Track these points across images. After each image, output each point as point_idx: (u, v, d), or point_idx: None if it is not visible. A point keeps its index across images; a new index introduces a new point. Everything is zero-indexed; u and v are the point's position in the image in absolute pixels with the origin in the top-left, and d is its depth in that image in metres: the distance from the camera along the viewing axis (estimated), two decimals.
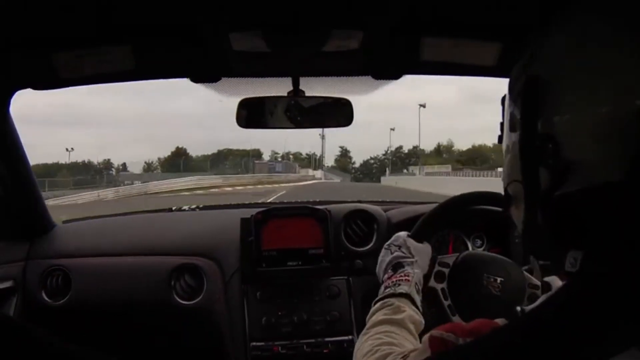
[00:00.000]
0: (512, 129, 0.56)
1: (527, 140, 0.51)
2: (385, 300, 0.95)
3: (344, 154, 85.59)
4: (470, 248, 1.51)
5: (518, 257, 1.25)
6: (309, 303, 1.46)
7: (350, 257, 1.52)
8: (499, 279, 1.09)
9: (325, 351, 1.42)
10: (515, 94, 0.56)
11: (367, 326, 0.90)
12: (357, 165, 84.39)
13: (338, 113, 1.28)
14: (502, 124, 0.63)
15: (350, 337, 1.44)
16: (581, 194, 0.47)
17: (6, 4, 0.75)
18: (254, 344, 1.41)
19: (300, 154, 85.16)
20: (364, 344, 0.83)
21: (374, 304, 0.97)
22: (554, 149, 0.48)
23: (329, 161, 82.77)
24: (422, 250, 1.11)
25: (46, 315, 1.46)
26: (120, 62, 0.99)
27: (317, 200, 1.93)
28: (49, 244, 1.56)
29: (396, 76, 1.17)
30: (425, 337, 0.65)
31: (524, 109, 0.52)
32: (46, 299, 1.47)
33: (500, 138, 0.65)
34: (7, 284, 1.43)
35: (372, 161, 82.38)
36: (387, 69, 1.15)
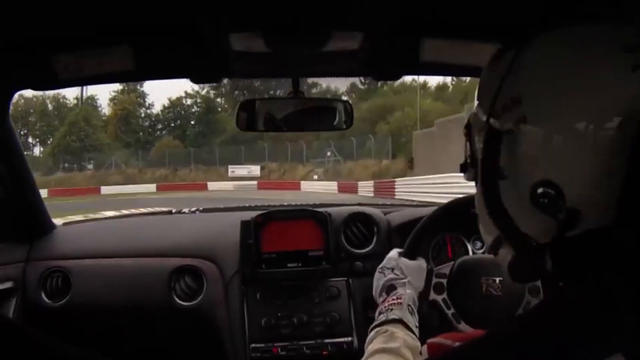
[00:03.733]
0: (502, 175, 0.54)
1: (530, 189, 0.50)
2: (379, 328, 0.95)
3: None
4: (470, 250, 1.51)
5: None
6: (308, 304, 1.46)
7: (350, 259, 1.52)
8: (497, 279, 1.09)
9: (324, 353, 1.42)
10: (490, 137, 0.53)
11: (364, 356, 0.90)
12: None
13: (338, 115, 1.29)
14: (471, 158, 0.61)
15: (349, 338, 1.44)
16: (585, 237, 0.47)
17: (6, 4, 0.76)
18: (254, 345, 1.41)
19: None
20: None
21: (370, 331, 0.96)
22: (556, 197, 0.48)
23: None
24: (415, 268, 1.10)
25: (46, 316, 1.46)
26: (120, 62, 0.99)
27: (318, 203, 1.93)
28: (48, 245, 1.56)
29: (396, 77, 1.17)
30: (424, 346, 0.66)
31: (524, 159, 0.51)
32: (46, 300, 1.47)
33: (465, 170, 0.64)
34: (7, 285, 1.43)
35: None
36: (386, 70, 1.16)
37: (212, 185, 30.99)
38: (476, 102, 0.61)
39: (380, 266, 1.12)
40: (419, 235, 1.16)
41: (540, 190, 0.48)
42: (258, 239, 1.45)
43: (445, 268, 1.15)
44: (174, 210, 1.96)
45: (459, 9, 0.90)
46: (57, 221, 1.70)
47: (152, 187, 31.32)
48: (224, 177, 32.66)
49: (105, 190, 30.58)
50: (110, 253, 1.54)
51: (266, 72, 1.21)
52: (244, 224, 1.50)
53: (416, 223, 1.24)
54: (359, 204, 1.75)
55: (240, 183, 29.94)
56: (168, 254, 1.52)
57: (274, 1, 0.83)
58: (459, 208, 1.24)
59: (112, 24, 0.90)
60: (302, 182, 27.77)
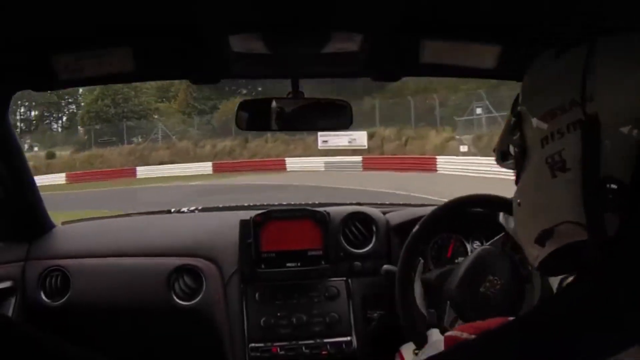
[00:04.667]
0: (563, 167, 0.54)
1: (592, 183, 0.50)
2: None
3: None
4: (469, 250, 1.51)
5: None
6: (308, 304, 1.46)
7: (349, 258, 1.52)
8: (499, 280, 1.10)
9: (324, 353, 1.42)
10: (567, 128, 0.53)
11: None
12: None
13: (337, 115, 1.29)
14: (521, 147, 0.60)
15: (349, 338, 1.44)
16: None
17: (6, 4, 0.76)
18: (253, 345, 1.41)
19: None
20: None
21: None
22: (620, 192, 0.48)
23: None
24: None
25: (45, 315, 1.46)
26: (120, 63, 0.99)
27: (317, 202, 1.93)
28: (48, 244, 1.56)
29: (395, 78, 1.17)
30: (440, 338, 0.66)
31: (587, 152, 0.51)
32: (45, 299, 1.47)
33: (507, 159, 0.63)
34: (7, 284, 1.44)
35: None
36: (386, 71, 1.16)
37: (293, 163, 20.66)
38: (524, 89, 0.60)
39: None
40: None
41: (608, 186, 0.49)
42: (257, 239, 1.45)
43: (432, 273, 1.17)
44: (172, 210, 1.96)
45: (458, 10, 0.90)
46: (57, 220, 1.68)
47: (206, 167, 21.81)
48: (312, 150, 21.27)
49: (143, 172, 22.10)
50: (109, 252, 1.54)
51: (266, 73, 1.21)
52: (243, 224, 1.50)
53: (415, 222, 1.24)
54: (358, 204, 1.75)
55: (335, 160, 19.27)
56: (167, 254, 1.53)
57: (274, 2, 0.83)
58: (458, 208, 1.25)
59: (112, 24, 0.90)
60: (438, 158, 17.01)
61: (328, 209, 1.56)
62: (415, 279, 1.24)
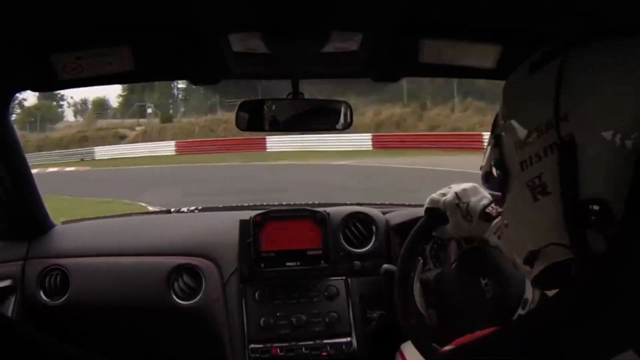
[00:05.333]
0: (544, 191, 0.53)
1: (573, 206, 0.50)
2: None
3: None
4: None
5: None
6: (307, 303, 1.46)
7: (349, 258, 1.53)
8: (495, 284, 1.10)
9: (324, 354, 1.42)
10: (543, 152, 0.53)
11: None
12: None
13: (338, 116, 1.29)
14: (502, 169, 0.60)
15: (348, 339, 1.44)
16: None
17: (6, 4, 0.76)
18: (253, 346, 1.41)
19: None
20: None
21: None
22: (603, 212, 0.48)
23: None
24: None
25: (44, 314, 1.47)
26: (120, 63, 0.99)
27: (317, 202, 1.93)
28: (47, 243, 1.56)
29: (395, 78, 1.17)
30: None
31: (565, 176, 0.50)
32: (44, 298, 1.48)
33: (489, 180, 0.63)
34: (6, 283, 1.44)
35: None
36: (386, 71, 1.16)
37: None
38: (503, 108, 0.59)
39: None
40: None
41: (590, 207, 0.48)
42: (257, 238, 1.46)
43: (430, 272, 1.17)
44: (172, 210, 1.97)
45: (458, 11, 0.90)
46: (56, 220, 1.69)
47: (366, 140, 16.41)
48: None
49: (274, 144, 16.96)
50: (109, 251, 1.55)
51: (266, 73, 1.21)
52: (243, 223, 1.50)
53: (415, 222, 1.24)
54: (358, 204, 1.76)
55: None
56: (167, 253, 1.53)
57: (274, 2, 0.83)
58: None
59: (111, 24, 0.91)
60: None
61: (328, 209, 1.57)
62: (415, 279, 1.24)
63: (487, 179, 0.64)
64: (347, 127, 1.28)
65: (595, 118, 0.48)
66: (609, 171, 0.48)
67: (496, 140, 0.60)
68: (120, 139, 23.54)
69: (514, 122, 0.57)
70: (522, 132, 0.55)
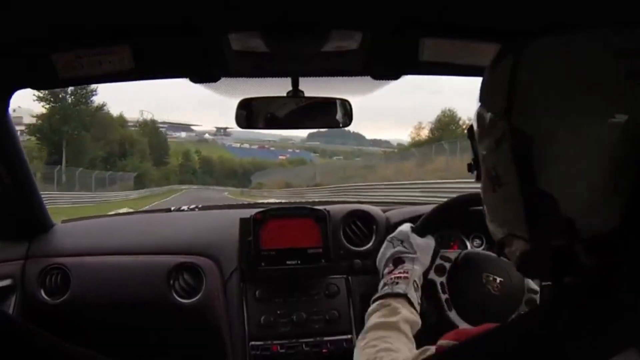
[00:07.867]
0: (499, 182, 0.55)
1: (529, 196, 0.51)
2: (382, 300, 0.96)
3: None
4: (469, 247, 1.51)
5: None
6: (308, 302, 1.46)
7: (349, 256, 1.53)
8: (498, 279, 1.10)
9: (324, 351, 1.42)
10: (495, 143, 0.54)
11: (364, 329, 0.91)
12: None
13: (338, 113, 1.29)
14: (475, 160, 0.62)
15: (349, 336, 1.44)
16: (587, 242, 0.48)
17: (6, 4, 0.76)
18: (253, 343, 1.41)
19: None
20: (361, 354, 0.84)
21: (372, 302, 0.97)
22: (552, 205, 0.49)
23: None
24: (425, 246, 1.12)
25: (45, 313, 1.46)
26: (120, 61, 0.99)
27: (317, 200, 1.93)
28: (48, 242, 1.56)
29: (395, 76, 1.17)
30: (433, 347, 0.66)
31: (519, 168, 0.51)
32: (45, 297, 1.47)
33: (473, 170, 0.65)
34: (6, 282, 1.44)
35: None
36: (386, 70, 1.16)
37: None
38: (478, 103, 0.61)
39: (390, 236, 1.16)
40: (433, 216, 1.20)
41: (536, 200, 0.49)
42: (257, 236, 1.46)
43: (452, 253, 1.17)
44: (172, 208, 1.97)
45: (458, 10, 0.90)
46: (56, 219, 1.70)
47: None
48: None
49: None
50: (109, 250, 1.55)
51: (266, 71, 1.21)
52: (243, 221, 1.50)
53: (415, 221, 1.25)
54: (359, 202, 1.75)
55: None
56: (167, 252, 1.53)
57: (273, 1, 0.83)
58: (459, 206, 1.25)
59: (111, 24, 0.90)
60: None
61: (328, 207, 1.57)
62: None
63: (470, 169, 0.67)
64: (348, 124, 1.29)
65: (542, 111, 0.50)
66: (566, 166, 0.48)
67: (469, 132, 0.63)
68: None
69: (477, 114, 0.59)
70: (483, 124, 0.57)
